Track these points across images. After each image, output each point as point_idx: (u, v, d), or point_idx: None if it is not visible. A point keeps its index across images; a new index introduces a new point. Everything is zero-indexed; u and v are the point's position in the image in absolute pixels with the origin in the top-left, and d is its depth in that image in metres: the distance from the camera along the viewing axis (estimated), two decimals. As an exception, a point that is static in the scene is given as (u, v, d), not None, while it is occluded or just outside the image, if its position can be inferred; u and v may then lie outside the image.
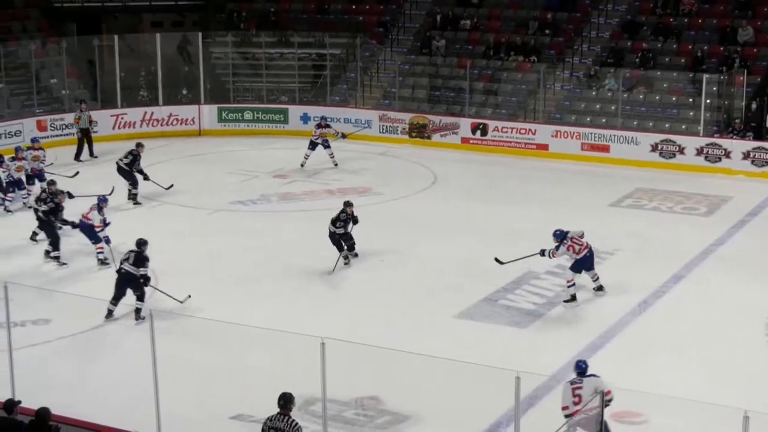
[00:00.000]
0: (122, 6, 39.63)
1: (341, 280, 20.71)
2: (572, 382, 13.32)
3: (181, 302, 18.63)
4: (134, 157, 26.14)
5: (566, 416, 13.03)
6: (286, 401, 11.92)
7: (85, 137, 31.12)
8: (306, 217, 24.69)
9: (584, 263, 19.26)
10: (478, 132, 32.26)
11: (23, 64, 34.79)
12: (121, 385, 15.51)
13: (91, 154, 31.06)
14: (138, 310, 18.33)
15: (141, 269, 18.31)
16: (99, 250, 21.43)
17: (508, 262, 19.72)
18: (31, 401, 12.85)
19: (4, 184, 25.54)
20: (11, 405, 12.63)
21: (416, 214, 25.23)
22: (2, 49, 33.73)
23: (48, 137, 31.67)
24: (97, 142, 31.67)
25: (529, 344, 17.50)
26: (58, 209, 21.90)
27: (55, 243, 21.76)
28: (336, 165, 29.67)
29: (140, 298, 18.42)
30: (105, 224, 21.41)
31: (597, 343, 17.01)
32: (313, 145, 29.60)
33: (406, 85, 35.20)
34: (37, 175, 26.26)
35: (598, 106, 32.34)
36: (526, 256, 19.60)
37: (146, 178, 26.19)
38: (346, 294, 20.02)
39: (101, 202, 21.68)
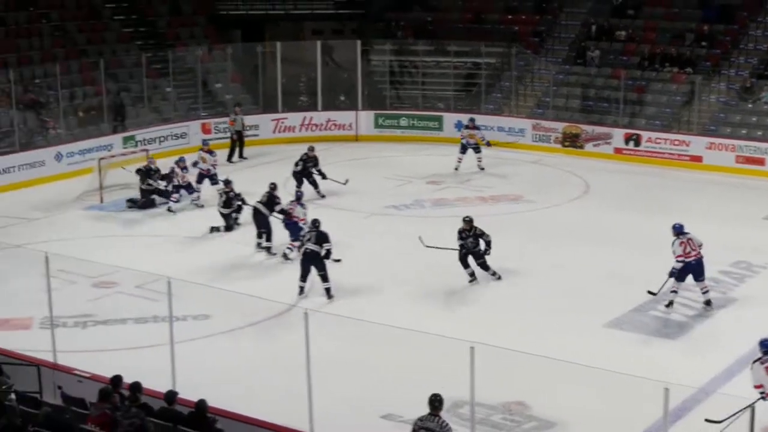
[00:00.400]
0: (285, 14, 40.25)
1: (491, 286, 20.61)
2: (762, 361, 13.52)
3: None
4: (304, 162, 26.70)
5: (762, 394, 13.20)
6: (438, 402, 11.92)
7: (239, 139, 31.75)
8: (458, 223, 24.65)
9: (689, 269, 18.79)
10: (631, 142, 31.82)
11: (190, 69, 35.67)
12: (275, 381, 15.75)
13: (241, 155, 31.73)
14: (328, 290, 19.69)
15: (324, 245, 19.45)
16: (289, 247, 22.05)
17: (659, 291, 19.28)
18: (190, 393, 13.17)
19: (171, 187, 26.22)
20: (171, 396, 12.96)
21: (568, 223, 25.02)
22: (171, 55, 34.68)
23: (212, 140, 32.31)
24: (258, 145, 32.32)
25: (678, 356, 17.18)
26: (273, 202, 22.77)
27: (269, 235, 22.61)
28: (482, 169, 29.65)
29: (324, 278, 19.67)
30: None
31: (748, 357, 16.57)
32: (463, 148, 29.73)
33: (559, 95, 34.95)
34: (208, 176, 26.83)
35: (754, 119, 31.56)
36: (664, 283, 19.11)
37: (324, 177, 26.74)
38: (496, 299, 19.91)
39: (300, 197, 22.70)
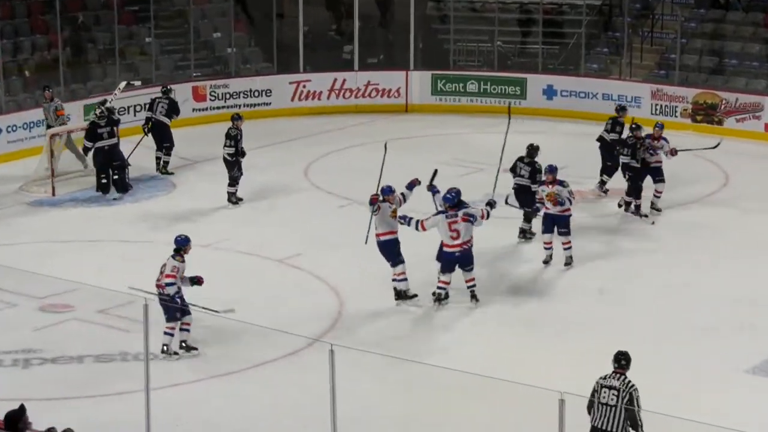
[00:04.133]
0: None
1: (589, 311, 20.62)
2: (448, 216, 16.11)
3: None
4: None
5: None
6: (626, 360, 14.11)
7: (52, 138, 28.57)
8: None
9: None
10: (790, 116, 31.75)
11: (179, 13, 35.75)
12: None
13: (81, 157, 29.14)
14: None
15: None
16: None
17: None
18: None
19: None
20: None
21: (697, 227, 25.04)
22: (153, -7, 34.78)
23: (206, 109, 32.50)
24: (271, 118, 32.19)
25: None
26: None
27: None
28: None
29: None
30: None
31: None
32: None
33: (690, 50, 34.81)
34: None
35: None
36: None
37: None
38: (596, 332, 19.69)
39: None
